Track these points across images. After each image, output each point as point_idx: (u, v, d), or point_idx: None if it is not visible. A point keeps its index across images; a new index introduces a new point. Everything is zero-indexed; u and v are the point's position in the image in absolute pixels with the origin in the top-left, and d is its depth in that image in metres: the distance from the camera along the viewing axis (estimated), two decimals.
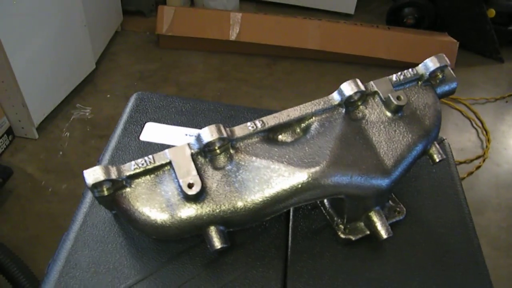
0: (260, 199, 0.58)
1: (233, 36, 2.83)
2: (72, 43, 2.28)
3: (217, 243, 0.58)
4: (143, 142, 0.78)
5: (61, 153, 2.16)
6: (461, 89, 2.73)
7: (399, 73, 0.68)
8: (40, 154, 2.14)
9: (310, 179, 0.57)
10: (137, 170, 0.59)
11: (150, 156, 0.60)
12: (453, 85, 0.71)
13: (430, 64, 0.67)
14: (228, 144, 0.61)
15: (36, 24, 1.98)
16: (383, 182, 0.61)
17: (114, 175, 0.58)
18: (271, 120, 0.63)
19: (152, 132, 0.80)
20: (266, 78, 2.82)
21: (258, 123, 0.62)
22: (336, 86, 0.65)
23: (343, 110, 0.64)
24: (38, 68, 2.06)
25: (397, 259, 0.66)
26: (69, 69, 2.31)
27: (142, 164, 0.59)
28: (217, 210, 0.58)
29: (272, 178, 0.58)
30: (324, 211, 0.69)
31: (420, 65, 0.68)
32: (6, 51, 1.83)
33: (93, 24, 2.42)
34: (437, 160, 0.65)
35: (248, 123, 0.62)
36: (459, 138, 2.43)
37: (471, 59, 2.94)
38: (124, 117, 0.83)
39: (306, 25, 2.72)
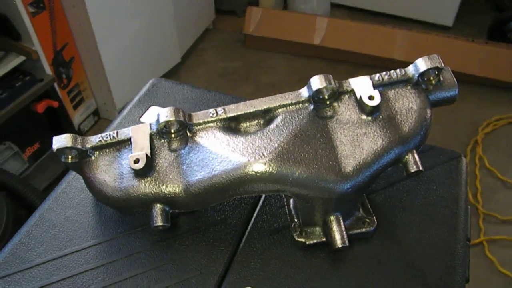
0: (201, 184, 0.58)
1: (317, 41, 2.80)
2: (159, 36, 2.45)
3: (158, 221, 0.59)
4: (141, 123, 0.82)
5: None
6: None
7: (384, 72, 0.63)
8: None
9: (248, 170, 0.56)
10: (100, 143, 0.63)
11: (115, 132, 0.64)
12: (452, 92, 0.63)
13: (420, 65, 0.60)
14: (186, 128, 0.62)
15: (125, 17, 2.17)
16: (337, 186, 0.56)
17: (79, 144, 0.62)
18: (232, 110, 0.62)
19: (153, 115, 0.84)
20: None
21: (220, 111, 0.62)
22: None
23: (311, 106, 0.61)
24: (124, 57, 2.25)
25: (354, 274, 0.61)
26: (154, 61, 2.49)
27: (106, 138, 0.63)
28: (162, 189, 0.59)
29: (214, 164, 0.58)
30: (287, 211, 0.66)
31: (410, 66, 0.62)
32: (97, 40, 2.04)
33: (182, 20, 2.58)
34: (411, 171, 0.59)
35: (211, 110, 0.63)
36: None
37: None
38: (135, 99, 0.89)
39: (394, 34, 2.58)
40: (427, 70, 0.60)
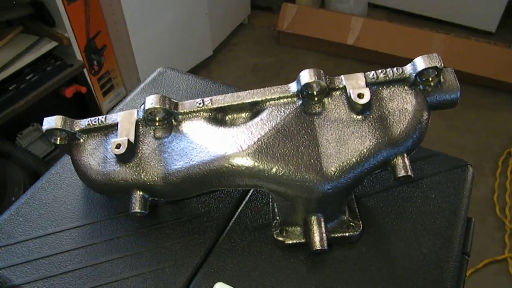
0: (178, 173, 0.57)
1: (351, 41, 2.73)
2: (191, 29, 2.47)
3: (135, 207, 0.59)
4: None
5: None
6: None
7: (380, 70, 0.60)
8: None
9: (224, 162, 0.54)
10: (89, 127, 0.63)
11: (104, 116, 0.64)
12: (453, 95, 0.59)
13: (418, 63, 0.57)
14: (171, 116, 0.61)
15: (158, 8, 2.20)
16: (317, 186, 0.54)
17: (67, 126, 0.62)
18: (219, 101, 0.61)
19: None
20: None
21: (207, 101, 0.61)
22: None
23: (300, 102, 0.59)
24: (155, 47, 2.29)
25: (333, 279, 0.58)
26: (184, 52, 2.51)
27: (95, 122, 0.63)
28: (141, 176, 0.59)
29: (193, 155, 0.57)
30: (271, 208, 0.64)
31: (408, 65, 0.59)
32: (128, 30, 2.08)
33: (215, 13, 2.59)
34: (399, 175, 0.55)
35: (198, 100, 0.62)
36: None
37: None
38: (139, 87, 0.89)
39: (430, 38, 2.49)
40: (425, 69, 0.56)
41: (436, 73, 0.57)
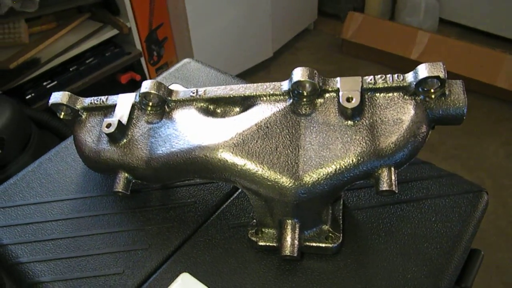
0: (160, 159, 0.57)
1: (415, 56, 2.61)
2: (252, 29, 2.49)
3: (118, 187, 0.60)
4: None
5: None
6: None
7: (379, 75, 0.56)
8: None
9: (199, 153, 0.54)
10: (91, 105, 0.66)
11: (106, 97, 0.66)
12: (459, 110, 0.53)
13: (421, 72, 0.53)
14: (165, 103, 0.62)
15: (220, 6, 2.25)
16: (290, 189, 0.51)
17: (71, 103, 0.65)
18: (212, 92, 0.60)
19: None
20: None
21: (200, 91, 0.61)
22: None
23: (290, 101, 0.57)
24: (214, 44, 2.34)
25: None
26: (244, 52, 2.54)
27: (96, 101, 0.66)
28: (127, 158, 0.60)
29: (174, 142, 0.57)
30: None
31: (410, 72, 0.55)
32: (189, 24, 2.14)
33: (278, 17, 2.59)
34: (381, 189, 0.51)
35: (192, 89, 0.62)
36: None
37: None
38: (163, 75, 0.91)
39: (501, 59, 2.30)
40: (427, 78, 0.52)
41: (439, 83, 0.53)
